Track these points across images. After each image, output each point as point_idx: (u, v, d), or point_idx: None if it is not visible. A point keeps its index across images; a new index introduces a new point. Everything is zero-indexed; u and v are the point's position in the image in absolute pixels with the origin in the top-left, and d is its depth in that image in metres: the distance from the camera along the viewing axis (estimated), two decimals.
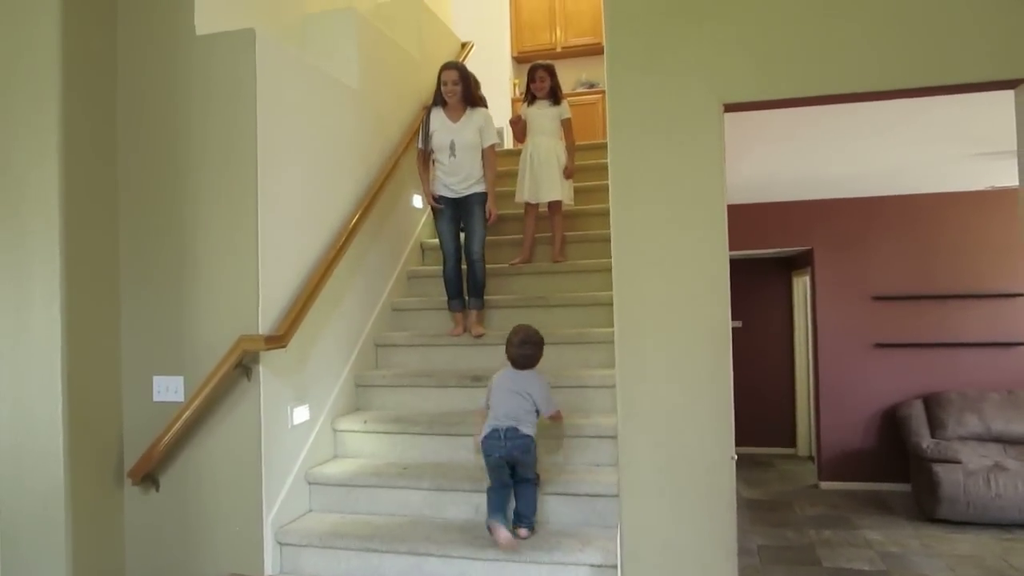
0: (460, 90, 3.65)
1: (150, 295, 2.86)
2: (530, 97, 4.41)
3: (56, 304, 2.56)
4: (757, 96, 2.37)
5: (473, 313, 3.77)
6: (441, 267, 3.84)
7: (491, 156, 3.76)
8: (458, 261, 3.80)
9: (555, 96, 4.36)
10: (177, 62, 2.84)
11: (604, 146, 2.58)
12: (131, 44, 2.87)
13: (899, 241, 5.98)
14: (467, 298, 3.80)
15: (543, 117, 4.33)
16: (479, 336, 3.68)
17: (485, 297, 3.84)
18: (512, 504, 2.77)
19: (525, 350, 2.81)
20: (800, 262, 6.85)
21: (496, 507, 2.69)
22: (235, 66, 2.79)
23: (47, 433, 2.56)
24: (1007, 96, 2.31)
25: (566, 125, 4.37)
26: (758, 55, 2.35)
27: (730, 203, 2.42)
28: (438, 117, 3.72)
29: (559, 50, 7.21)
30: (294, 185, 3.06)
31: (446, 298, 3.84)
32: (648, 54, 2.42)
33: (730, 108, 2.39)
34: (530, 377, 2.81)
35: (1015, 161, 2.35)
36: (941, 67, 2.22)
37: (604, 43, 2.49)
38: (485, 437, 2.73)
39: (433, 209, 3.84)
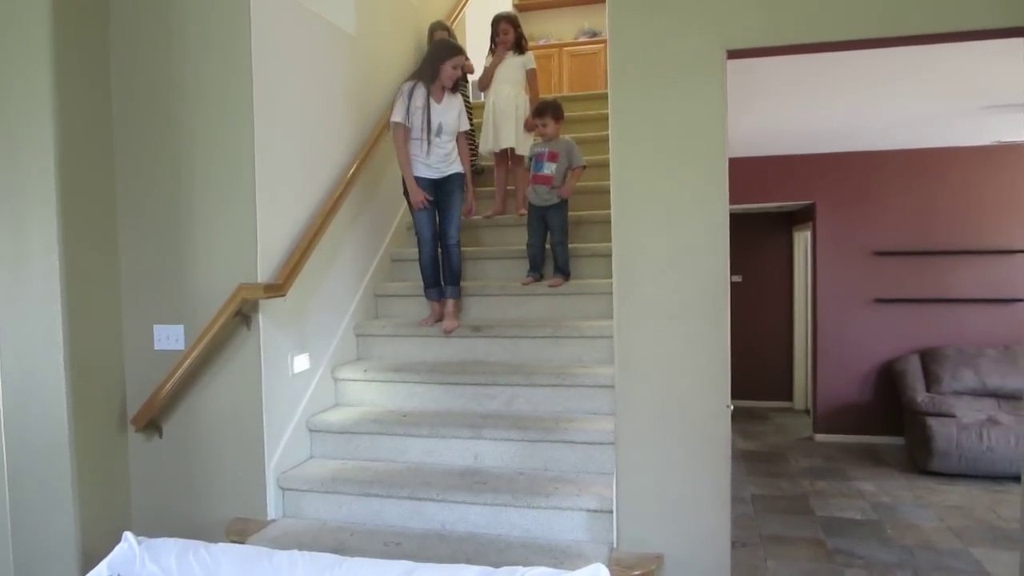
0: (457, 76, 3.47)
1: (149, 244, 2.85)
2: (494, 48, 4.42)
3: (54, 254, 2.55)
4: (762, 42, 2.32)
5: (450, 303, 3.52)
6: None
7: (464, 142, 3.58)
8: (435, 248, 3.53)
9: (520, 47, 4.37)
10: (171, 2, 2.78)
11: (605, 96, 2.54)
12: None
13: (901, 196, 5.93)
14: (444, 286, 3.56)
15: (507, 67, 4.36)
16: (450, 331, 3.42)
17: (462, 284, 3.61)
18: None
19: None
20: (801, 217, 6.82)
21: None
22: (229, 5, 2.73)
23: (50, 383, 2.58)
24: (1017, 45, 2.26)
25: (530, 76, 4.38)
26: None
27: (732, 156, 2.40)
28: (422, 95, 3.38)
29: None
30: (291, 133, 3.02)
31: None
32: None
33: (733, 55, 2.34)
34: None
35: (1023, 115, 2.32)
36: (953, 12, 2.16)
37: None
38: None
39: (406, 193, 3.49)
